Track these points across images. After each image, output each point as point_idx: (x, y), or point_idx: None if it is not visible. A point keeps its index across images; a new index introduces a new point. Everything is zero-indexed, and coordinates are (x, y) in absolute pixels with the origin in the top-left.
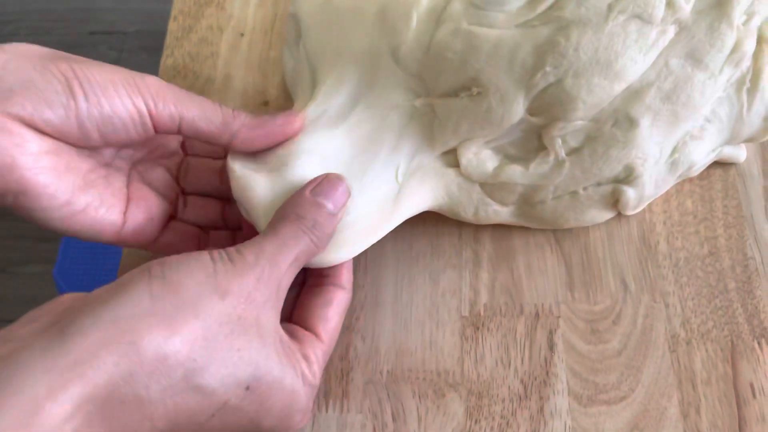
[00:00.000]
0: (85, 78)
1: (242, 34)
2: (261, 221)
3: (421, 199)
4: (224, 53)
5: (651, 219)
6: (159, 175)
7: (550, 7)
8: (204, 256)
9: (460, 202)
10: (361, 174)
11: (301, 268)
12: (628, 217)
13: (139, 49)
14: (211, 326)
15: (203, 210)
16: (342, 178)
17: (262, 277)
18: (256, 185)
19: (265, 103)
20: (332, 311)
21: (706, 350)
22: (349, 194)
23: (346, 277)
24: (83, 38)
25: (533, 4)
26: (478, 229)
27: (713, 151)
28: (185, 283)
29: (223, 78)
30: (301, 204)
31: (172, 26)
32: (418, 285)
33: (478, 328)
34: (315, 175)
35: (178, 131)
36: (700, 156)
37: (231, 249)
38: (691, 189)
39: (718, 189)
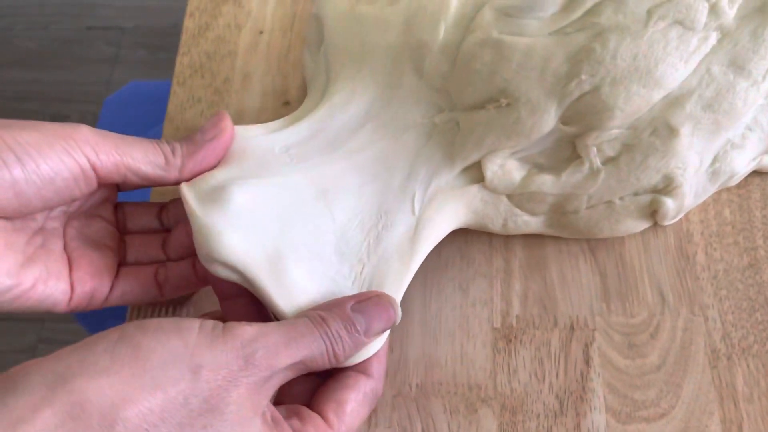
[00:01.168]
0: (15, 142)
1: (261, 33)
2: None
3: (441, 226)
4: (242, 52)
5: (688, 229)
6: (96, 226)
7: (586, 14)
8: (192, 323)
9: (486, 216)
10: (370, 210)
11: (303, 374)
12: (664, 226)
13: (137, 45)
14: (173, 400)
15: (147, 246)
16: (394, 305)
17: (252, 362)
18: (227, 240)
19: (286, 104)
20: (349, 394)
21: (748, 366)
22: (393, 323)
23: (375, 367)
24: (80, 34)
25: (568, 11)
26: (508, 236)
27: (754, 159)
28: (156, 350)
29: (242, 78)
30: (333, 311)
31: (188, 23)
32: (447, 294)
33: (510, 341)
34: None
35: (123, 180)
36: (741, 165)
37: (230, 323)
38: (729, 198)
39: (757, 198)
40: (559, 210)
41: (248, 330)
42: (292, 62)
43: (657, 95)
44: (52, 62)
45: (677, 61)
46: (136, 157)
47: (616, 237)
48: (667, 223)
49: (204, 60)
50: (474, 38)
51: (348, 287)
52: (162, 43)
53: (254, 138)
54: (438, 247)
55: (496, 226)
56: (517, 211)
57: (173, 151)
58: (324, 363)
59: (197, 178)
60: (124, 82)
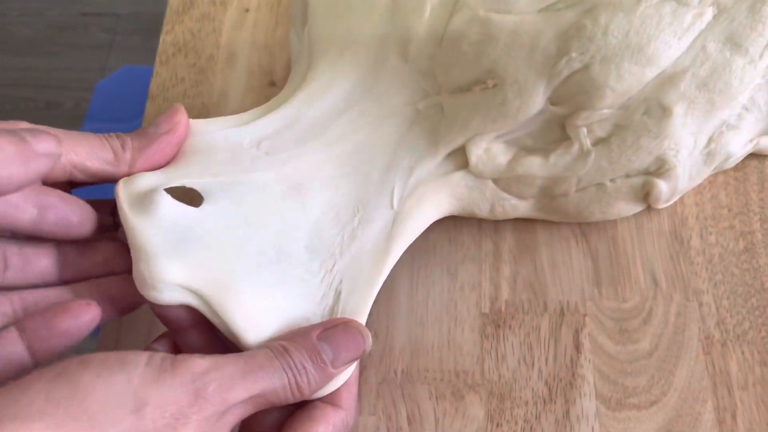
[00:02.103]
0: None
1: (247, 10)
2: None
3: (420, 221)
4: (228, 30)
5: (683, 212)
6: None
7: None
8: (139, 357)
9: (472, 202)
10: (347, 204)
11: (263, 408)
12: (658, 209)
13: (132, 32)
14: None
15: (31, 265)
16: (363, 332)
17: (203, 396)
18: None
19: (272, 84)
20: (317, 428)
21: (743, 352)
22: (363, 352)
23: (344, 397)
24: (75, 20)
25: None
26: (498, 220)
27: (750, 141)
28: (96, 387)
29: (227, 57)
30: (297, 341)
31: (173, 0)
32: (434, 279)
33: (499, 326)
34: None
35: (69, 178)
36: (737, 146)
37: (181, 355)
38: (725, 181)
39: (754, 181)
40: (549, 193)
41: (200, 363)
42: (278, 41)
43: (650, 73)
44: (47, 49)
45: (671, 38)
46: (79, 153)
47: (608, 220)
48: (660, 206)
49: (188, 38)
50: (460, 17)
51: (316, 285)
52: (158, 29)
53: (219, 131)
54: (426, 231)
55: (483, 211)
56: (505, 195)
57: (123, 145)
58: (287, 397)
59: (134, 175)
60: (119, 69)
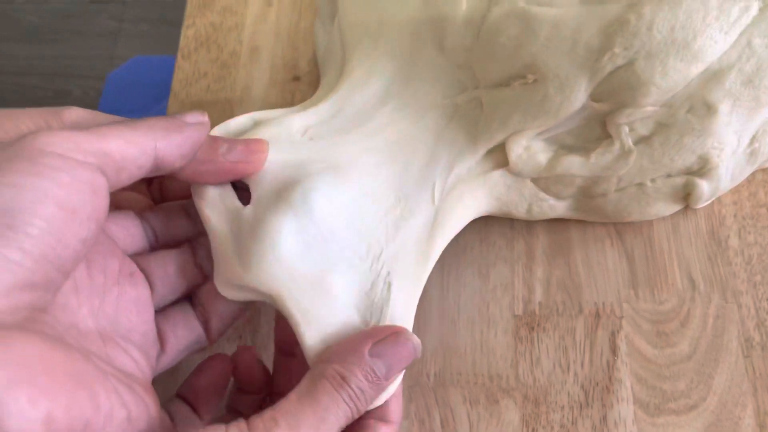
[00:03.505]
0: None
1: (270, 4)
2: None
3: (460, 219)
4: (250, 23)
5: (720, 211)
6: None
7: None
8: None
9: (510, 202)
10: (387, 191)
11: None
12: (695, 208)
13: (139, 19)
14: None
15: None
16: (413, 340)
17: None
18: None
19: (296, 79)
20: None
21: None
22: (413, 359)
23: (393, 410)
24: (81, 7)
25: None
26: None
27: None
28: None
29: (250, 51)
30: (353, 363)
31: None
32: (466, 280)
33: (533, 328)
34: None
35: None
36: None
37: (255, 420)
38: (764, 179)
39: None
40: (587, 193)
41: (285, 424)
42: (302, 34)
43: (695, 70)
44: (54, 36)
45: (717, 33)
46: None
47: (644, 220)
48: (699, 206)
49: (210, 32)
50: (499, 9)
51: (365, 272)
52: (165, 16)
53: (271, 120)
54: None
55: (520, 211)
56: (543, 195)
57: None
58: (348, 422)
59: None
60: (126, 57)
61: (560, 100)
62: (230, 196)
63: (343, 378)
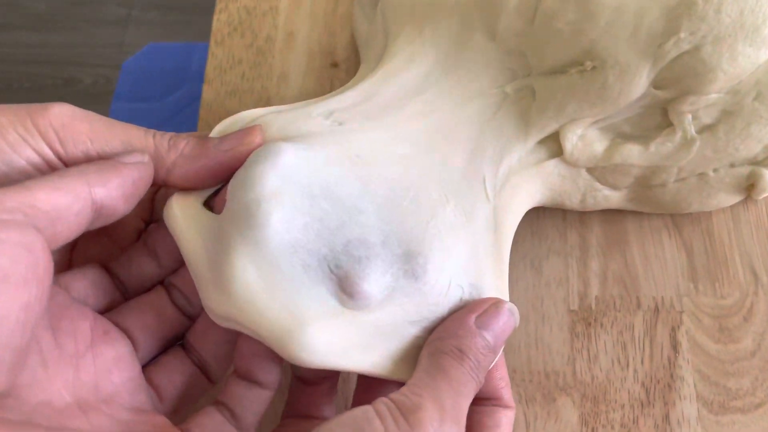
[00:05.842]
0: None
1: None
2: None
3: (518, 212)
4: (285, 7)
5: None
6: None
7: None
8: (369, 414)
9: (564, 192)
10: (426, 186)
11: None
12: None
13: (148, 6)
14: None
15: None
16: (512, 309)
17: None
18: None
19: (335, 65)
20: None
21: None
22: (514, 328)
23: (507, 395)
24: None
25: None
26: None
27: None
28: None
29: (285, 36)
30: (465, 336)
31: None
32: (518, 274)
33: (590, 324)
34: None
35: None
36: None
37: (400, 398)
38: None
39: None
40: (645, 183)
41: (427, 413)
42: (339, 18)
43: (764, 55)
44: (63, 24)
45: None
46: (113, 145)
47: (702, 211)
48: (762, 196)
49: (243, 16)
50: None
51: (426, 293)
52: (175, 3)
53: (288, 111)
54: None
55: (573, 202)
56: (598, 185)
57: (171, 147)
58: (474, 394)
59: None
60: (137, 44)
61: (620, 88)
62: (202, 210)
63: (461, 351)
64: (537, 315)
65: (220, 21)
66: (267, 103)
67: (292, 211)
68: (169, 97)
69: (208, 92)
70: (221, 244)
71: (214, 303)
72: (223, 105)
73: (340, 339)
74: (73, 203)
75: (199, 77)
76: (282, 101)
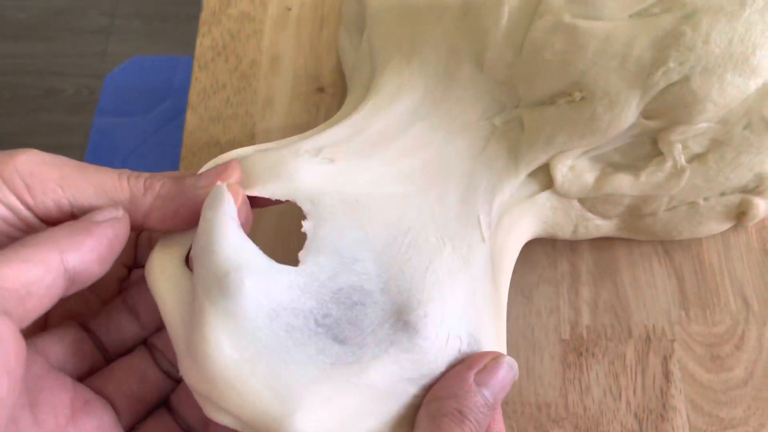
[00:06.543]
0: None
1: (289, 9)
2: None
3: (514, 250)
4: (269, 31)
5: None
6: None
7: None
8: None
9: (556, 224)
10: (424, 228)
11: None
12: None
13: (131, 15)
14: None
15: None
16: (510, 362)
17: None
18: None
19: (321, 89)
20: None
21: None
22: (513, 382)
23: (497, 420)
24: (72, 3)
25: None
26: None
27: None
28: None
29: (270, 60)
30: (464, 396)
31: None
32: (509, 302)
33: (581, 354)
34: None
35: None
36: None
37: None
38: None
39: None
40: (636, 212)
41: None
42: (325, 42)
43: (753, 85)
44: (43, 33)
45: None
46: (86, 192)
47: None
48: (752, 223)
49: (227, 40)
50: (543, 23)
51: (426, 348)
52: (158, 12)
53: (276, 149)
54: None
55: (566, 233)
56: (589, 215)
57: (147, 189)
58: None
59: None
60: (119, 54)
61: (609, 119)
62: (182, 269)
63: (461, 413)
64: (528, 344)
65: (203, 45)
66: (252, 128)
67: (272, 270)
68: (152, 111)
69: (191, 118)
70: (195, 314)
71: (193, 380)
72: (207, 131)
73: (332, 415)
74: (45, 276)
75: (183, 91)
76: (267, 127)
